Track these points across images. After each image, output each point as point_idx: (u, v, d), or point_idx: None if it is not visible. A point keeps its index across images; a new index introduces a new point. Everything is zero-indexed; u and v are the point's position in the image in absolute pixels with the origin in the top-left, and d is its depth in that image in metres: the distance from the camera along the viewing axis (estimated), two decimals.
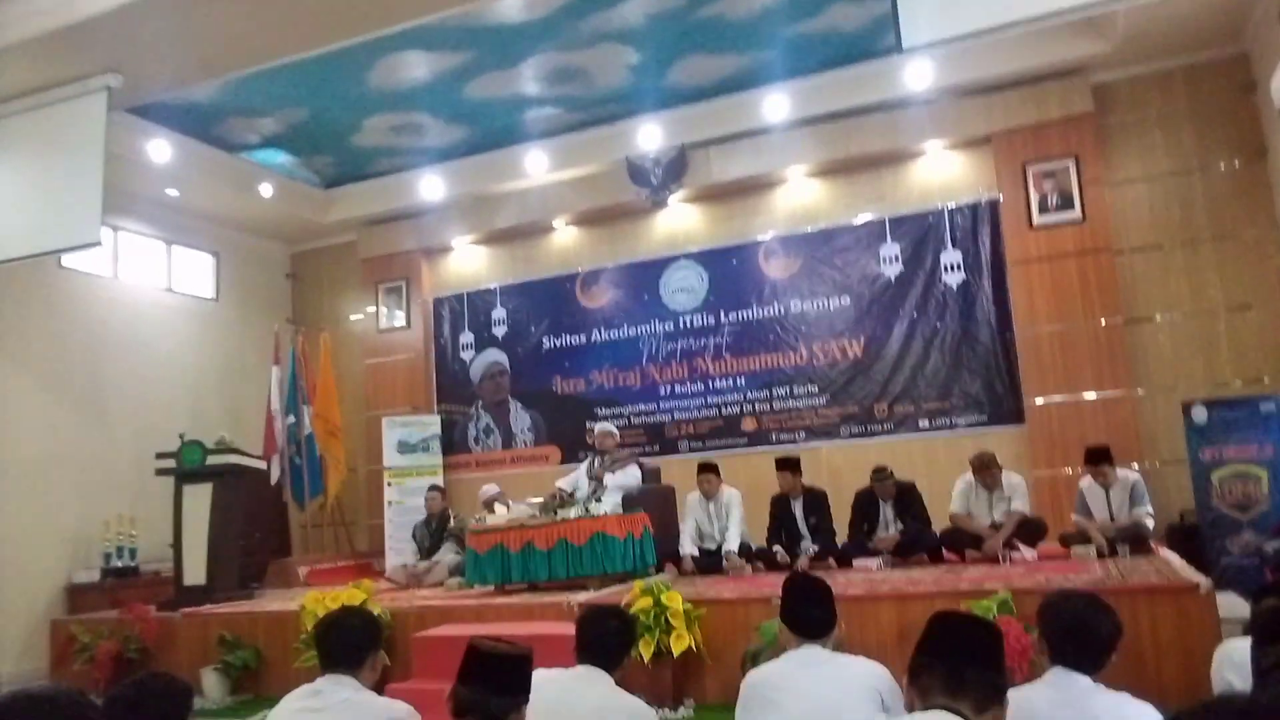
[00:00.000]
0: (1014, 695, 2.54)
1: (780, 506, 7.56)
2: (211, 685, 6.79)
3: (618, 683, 2.97)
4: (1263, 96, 7.70)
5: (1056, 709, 2.41)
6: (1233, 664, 2.79)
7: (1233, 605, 4.93)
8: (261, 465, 8.80)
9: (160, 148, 9.13)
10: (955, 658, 1.94)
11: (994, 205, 8.93)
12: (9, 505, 8.44)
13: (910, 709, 1.97)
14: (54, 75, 7.14)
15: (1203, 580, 4.74)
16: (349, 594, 6.32)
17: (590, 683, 2.92)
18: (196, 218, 10.81)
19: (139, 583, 8.83)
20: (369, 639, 2.99)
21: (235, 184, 10.22)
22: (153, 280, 10.48)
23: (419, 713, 2.82)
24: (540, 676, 3.03)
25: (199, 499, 7.90)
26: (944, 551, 7.04)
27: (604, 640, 3.01)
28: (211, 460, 7.98)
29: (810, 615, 2.98)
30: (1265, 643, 1.93)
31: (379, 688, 2.99)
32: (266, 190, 10.40)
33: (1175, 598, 4.72)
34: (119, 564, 9.01)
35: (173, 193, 10.08)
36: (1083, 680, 2.45)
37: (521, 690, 2.27)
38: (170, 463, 8.03)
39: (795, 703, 2.76)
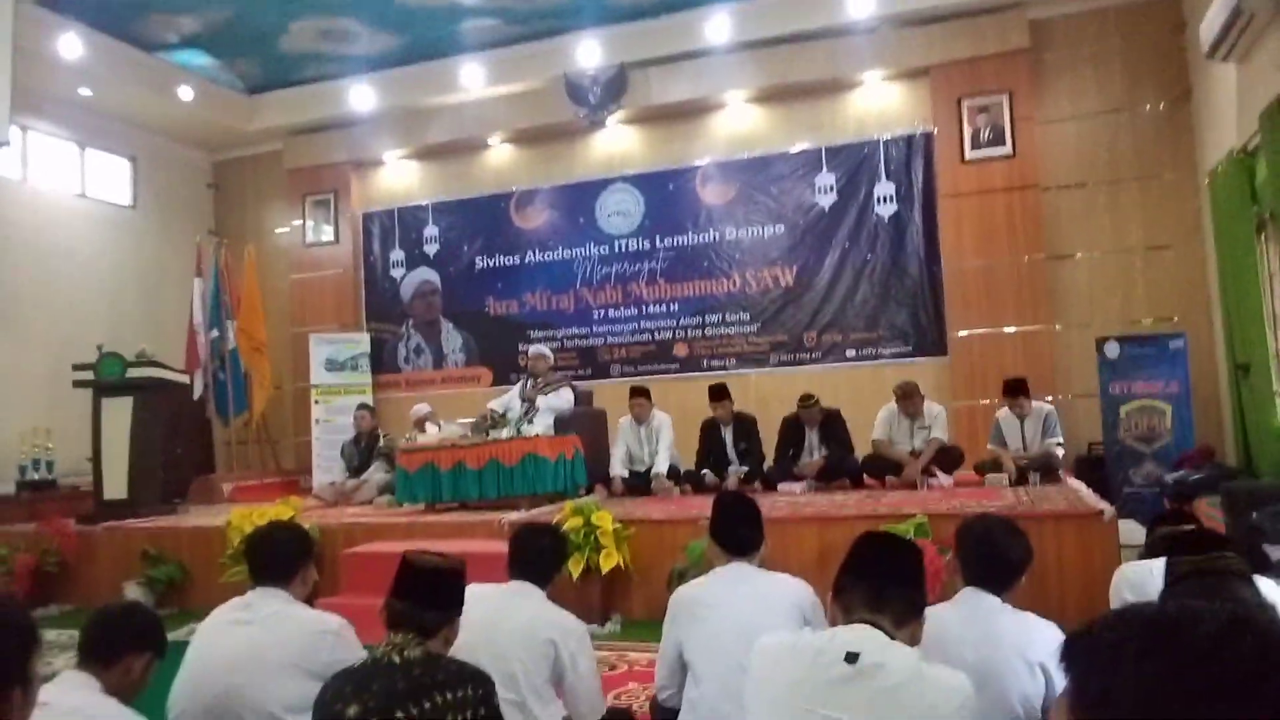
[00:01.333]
0: (927, 613, 2.68)
1: (710, 431, 7.68)
2: (136, 598, 6.71)
3: (549, 597, 3.04)
4: (1191, 38, 7.85)
5: (965, 627, 2.53)
6: (1130, 584, 2.97)
7: (1133, 532, 5.21)
8: (184, 379, 8.57)
9: (71, 43, 8.64)
10: (878, 576, 2.03)
11: (928, 138, 9.01)
12: None
13: (834, 624, 2.05)
14: None
15: (1106, 507, 4.99)
16: (276, 510, 6.30)
17: (523, 597, 2.98)
18: (112, 120, 10.31)
19: (57, 496, 8.64)
20: (300, 552, 3.00)
21: (153, 85, 9.75)
22: (65, 185, 10.01)
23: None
24: (473, 591, 3.07)
25: (119, 412, 7.67)
26: (865, 477, 7.26)
27: (537, 557, 3.06)
28: (132, 373, 7.73)
29: (739, 533, 3.06)
30: (1176, 552, 2.06)
31: (308, 602, 3.03)
32: (186, 93, 9.95)
33: (1080, 524, 4.97)
34: (35, 477, 8.81)
35: (86, 92, 9.58)
36: (991, 600, 2.57)
37: (454, 604, 2.31)
38: (88, 375, 7.78)
39: (721, 618, 2.85)
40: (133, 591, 6.73)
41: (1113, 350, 7.67)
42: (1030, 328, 8.57)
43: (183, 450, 10.14)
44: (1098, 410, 7.80)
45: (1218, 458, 7.21)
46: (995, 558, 2.62)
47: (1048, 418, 6.96)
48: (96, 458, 7.78)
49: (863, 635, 1.93)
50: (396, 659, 2.09)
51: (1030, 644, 2.41)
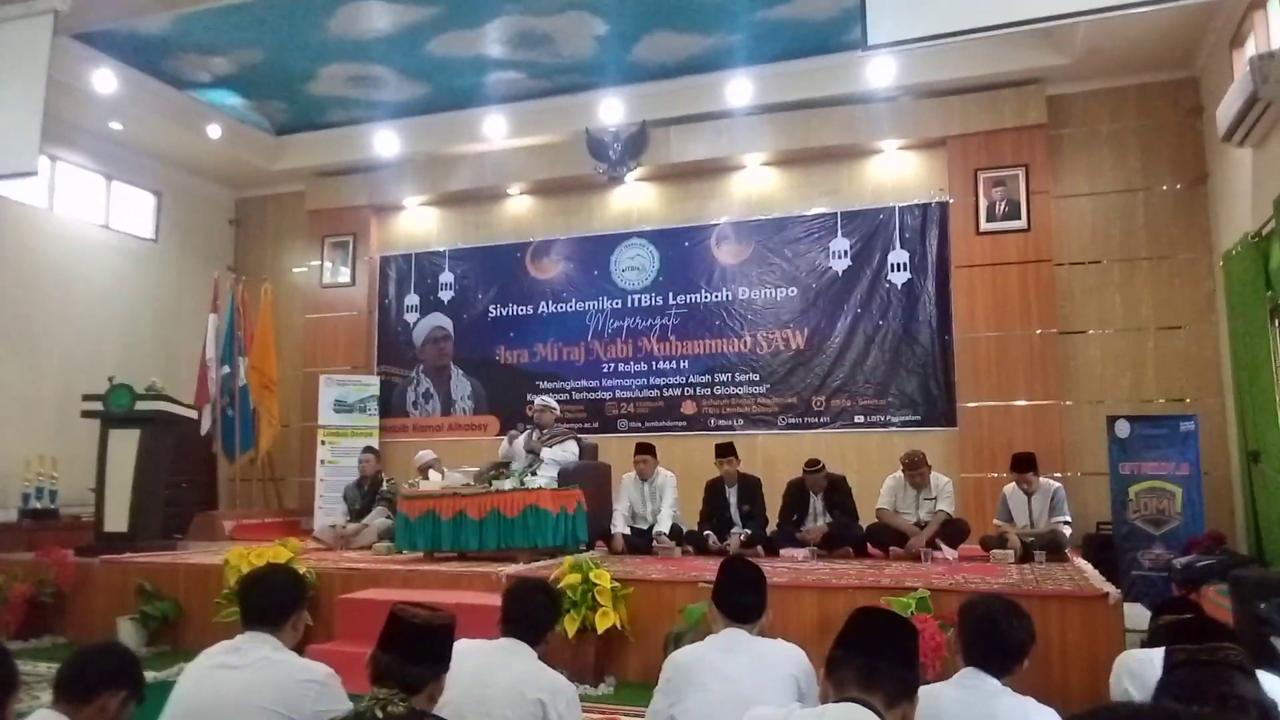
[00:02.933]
0: (923, 692, 2.62)
1: (715, 491, 7.63)
2: (128, 634, 6.63)
3: (540, 657, 2.99)
4: (1208, 122, 7.92)
5: (962, 708, 2.48)
6: (1130, 673, 2.90)
7: (1139, 616, 5.10)
8: (192, 414, 8.59)
9: (106, 78, 8.82)
10: (871, 652, 1.99)
11: (944, 208, 9.06)
12: None
13: (825, 700, 2.01)
14: None
15: (1112, 590, 4.91)
16: (274, 551, 6.24)
17: (513, 655, 2.93)
18: (140, 154, 10.49)
19: (58, 525, 8.62)
20: (293, 598, 2.97)
21: (182, 122, 9.92)
22: (90, 215, 10.16)
23: (339, 675, 2.80)
24: (463, 646, 3.03)
25: (125, 444, 7.69)
26: (869, 546, 7.17)
27: (530, 613, 3.02)
28: (140, 406, 7.76)
29: (743, 600, 3.03)
30: (1175, 641, 2.02)
31: (300, 648, 2.98)
32: (215, 131, 10.11)
33: (1085, 605, 4.88)
34: (38, 505, 8.80)
35: (116, 126, 9.76)
36: (991, 682, 2.52)
37: (440, 659, 2.28)
38: (97, 405, 7.81)
39: (715, 685, 2.81)
40: (126, 627, 6.68)
41: (1123, 429, 7.60)
42: (1041, 402, 8.52)
43: (187, 485, 10.16)
44: (1107, 489, 7.71)
45: (1228, 544, 7.09)
46: (997, 639, 2.58)
47: (1055, 494, 6.89)
48: (100, 489, 7.78)
49: (853, 714, 1.88)
50: (379, 714, 2.05)
51: None
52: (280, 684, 2.71)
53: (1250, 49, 6.75)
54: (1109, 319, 8.61)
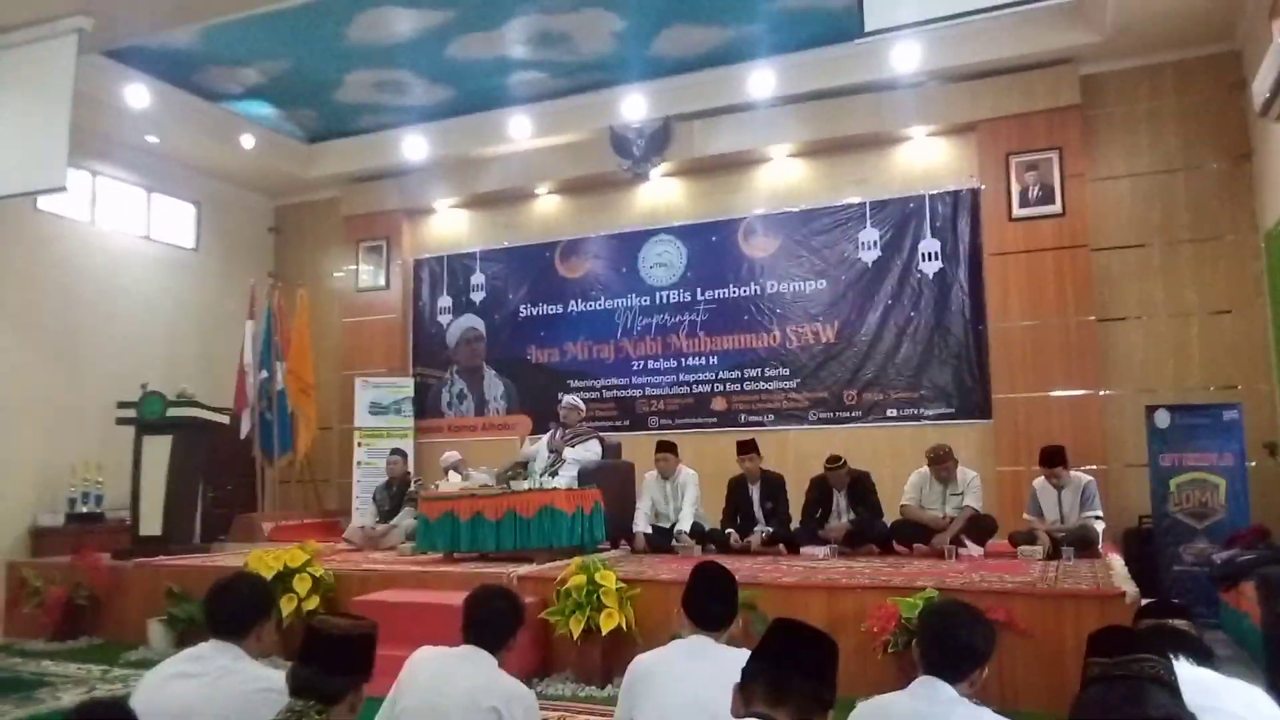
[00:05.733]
0: (874, 703, 2.53)
1: (737, 489, 7.55)
2: (157, 636, 6.82)
3: (502, 664, 2.96)
4: (1250, 96, 7.56)
5: (915, 719, 2.39)
6: None
7: None
8: (224, 419, 8.75)
9: (138, 93, 9.03)
10: (784, 666, 1.91)
11: (975, 194, 8.82)
12: None
13: (734, 715, 1.94)
14: (23, 15, 7.07)
15: (1130, 589, 4.71)
16: (291, 553, 6.32)
17: (470, 663, 2.90)
18: (177, 166, 10.73)
19: (102, 529, 8.85)
20: (256, 608, 2.97)
21: (216, 134, 10.12)
22: (131, 227, 10.42)
23: None
24: (422, 654, 3.03)
25: (158, 450, 7.89)
26: (894, 543, 7.02)
27: (488, 621, 2.99)
28: (173, 412, 7.95)
29: (710, 608, 2.98)
30: (1091, 653, 1.91)
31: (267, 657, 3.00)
32: (248, 141, 10.30)
33: (1101, 605, 4.69)
34: (84, 509, 9.06)
35: (153, 139, 10.00)
36: (946, 691, 2.42)
37: (359, 669, 2.25)
38: (131, 412, 8.02)
39: (672, 693, 2.76)
40: (156, 629, 6.85)
41: (1163, 419, 7.32)
42: (1078, 392, 8.24)
43: (228, 488, 10.39)
44: (1148, 481, 7.43)
45: (1274, 538, 6.78)
46: (953, 645, 2.47)
47: (1086, 488, 6.66)
48: (135, 494, 7.99)
49: None
50: None
51: None
52: (237, 694, 2.71)
53: None
54: (1150, 305, 8.29)
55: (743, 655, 2.85)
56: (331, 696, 2.14)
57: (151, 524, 7.79)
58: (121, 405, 8.05)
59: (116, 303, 10.00)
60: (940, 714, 2.38)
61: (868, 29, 4.78)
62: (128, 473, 8.47)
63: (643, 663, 2.96)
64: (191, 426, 8.04)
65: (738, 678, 2.77)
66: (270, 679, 2.80)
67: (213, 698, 2.69)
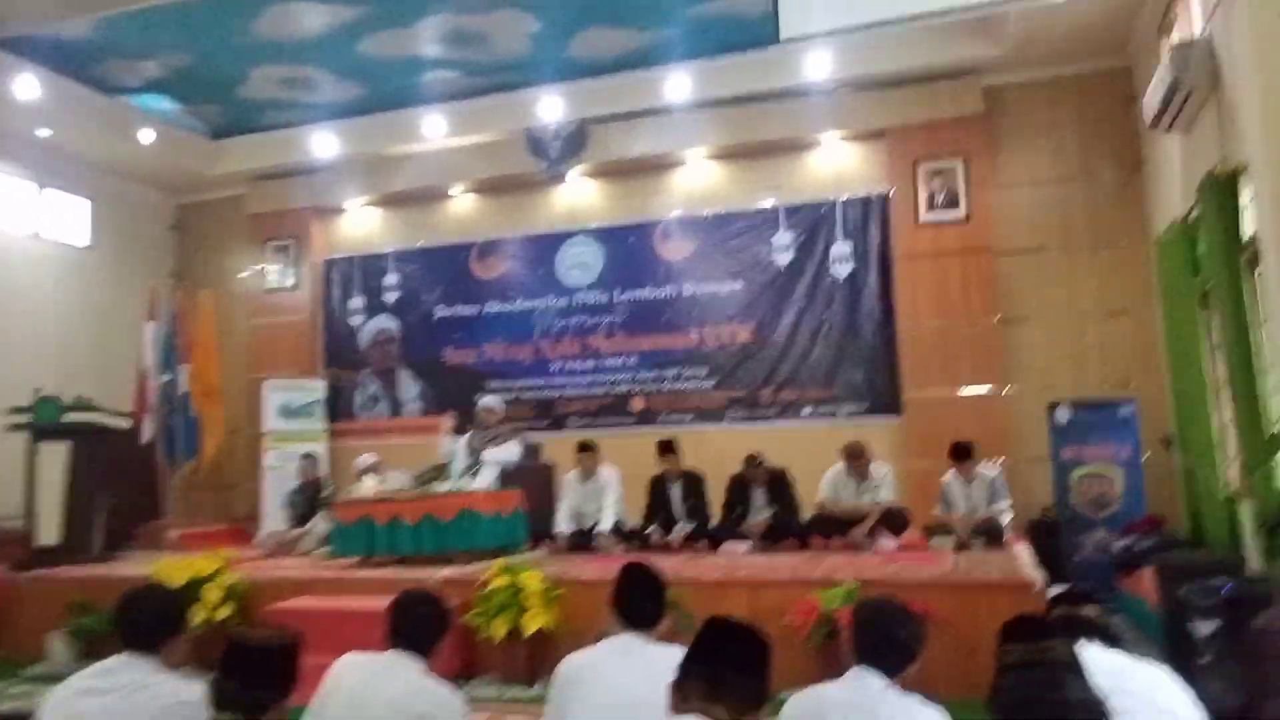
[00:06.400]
0: (808, 692, 2.59)
1: (658, 488, 7.58)
2: (59, 650, 6.53)
3: (431, 668, 2.92)
4: (1141, 110, 7.94)
5: (847, 709, 2.46)
6: None
7: None
8: (124, 424, 8.43)
9: (28, 83, 8.59)
10: (719, 663, 1.94)
11: (884, 199, 9.06)
12: None
13: (673, 713, 1.96)
14: None
15: (1036, 579, 4.91)
16: (202, 561, 6.12)
17: (398, 667, 2.86)
18: (71, 160, 10.24)
19: None
20: (168, 622, 2.85)
21: (113, 127, 9.71)
22: (20, 225, 9.91)
23: None
24: (347, 661, 2.97)
25: (54, 457, 7.56)
26: (813, 538, 7.15)
27: (415, 625, 2.95)
28: (70, 418, 7.62)
29: (639, 606, 3.00)
30: (1005, 640, 2.00)
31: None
32: (147, 136, 9.90)
33: (1011, 594, 4.87)
34: None
35: (44, 132, 9.52)
36: (877, 681, 2.50)
37: (283, 681, 2.20)
38: (25, 418, 7.64)
39: (601, 692, 2.77)
40: (56, 643, 6.55)
41: (1063, 415, 7.62)
42: (984, 390, 8.54)
43: (131, 496, 9.96)
44: (1050, 474, 7.74)
45: (1169, 526, 7.14)
46: (886, 640, 2.56)
47: (994, 482, 6.91)
48: (30, 503, 7.62)
49: None
50: None
51: None
52: (152, 710, 2.61)
53: (1176, 37, 6.77)
54: (1050, 307, 8.64)
55: (674, 653, 2.88)
56: (256, 710, 2.08)
57: (49, 533, 7.46)
58: (13, 411, 7.66)
59: (4, 304, 9.50)
60: (872, 703, 2.46)
61: (783, 36, 4.87)
62: (17, 481, 8.06)
63: (572, 663, 2.96)
64: (90, 432, 7.72)
65: (670, 675, 2.81)
66: (186, 693, 2.70)
67: (126, 714, 2.59)
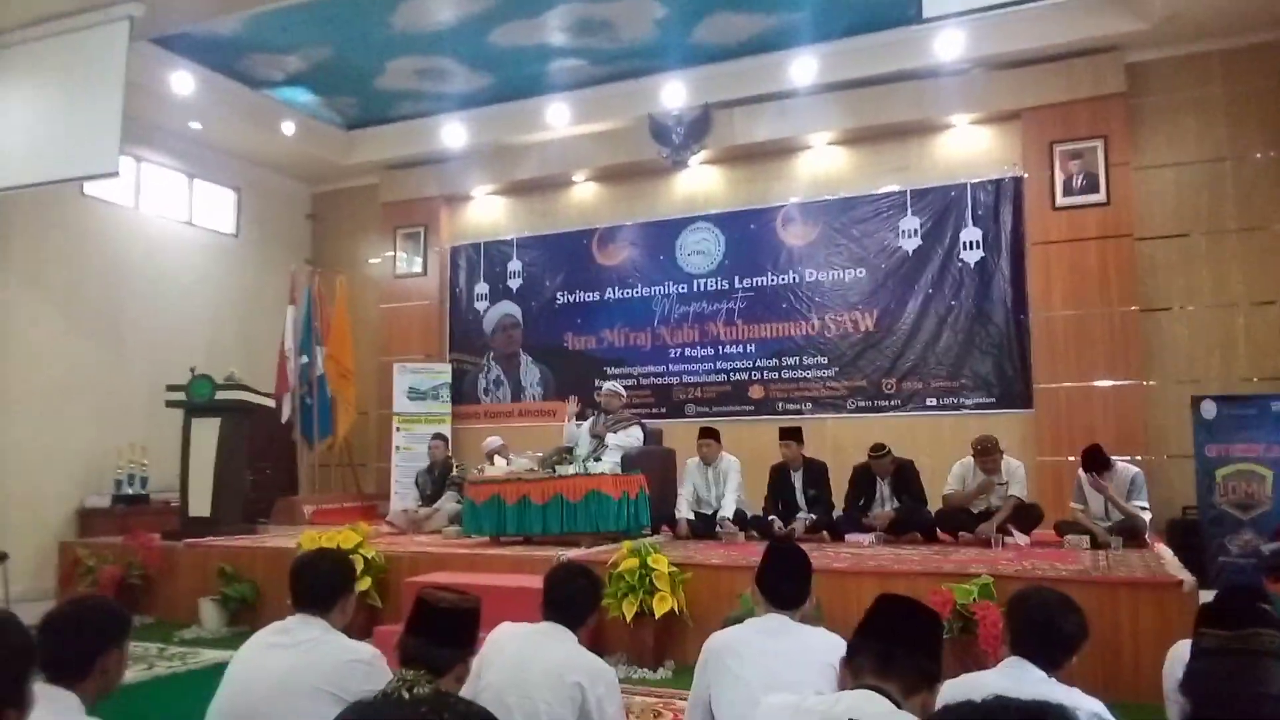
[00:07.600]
0: (966, 679, 2.56)
1: (780, 476, 7.57)
2: (209, 615, 6.94)
3: (581, 641, 3.01)
4: None
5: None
6: (1180, 661, 2.79)
7: None
8: (269, 403, 8.88)
9: (183, 80, 9.13)
10: (890, 640, 1.95)
11: (1018, 183, 8.78)
12: (24, 430, 8.60)
13: (842, 688, 1.98)
14: (76, 2, 7.15)
15: (1186, 577, 4.71)
16: (344, 535, 6.40)
17: (553, 639, 2.95)
18: (219, 152, 10.84)
19: (148, 511, 8.99)
20: (341, 582, 3.03)
21: (258, 121, 10.22)
22: (174, 212, 10.55)
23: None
24: (504, 630, 3.08)
25: (206, 433, 8.00)
26: (938, 532, 7.03)
27: (570, 598, 3.03)
28: (220, 396, 8.06)
29: (783, 586, 3.00)
30: (1204, 624, 1.92)
31: (369, 628, 3.04)
32: (289, 128, 10.39)
33: (1158, 593, 4.70)
34: (130, 491, 9.19)
35: (196, 126, 10.11)
36: (1035, 672, 2.45)
37: (466, 642, 2.31)
38: (180, 395, 8.13)
39: (751, 670, 2.78)
40: (207, 607, 6.97)
41: (1209, 410, 7.26)
42: (1122, 382, 8.21)
43: (269, 471, 10.53)
44: (1193, 472, 7.40)
45: None
46: (1048, 631, 2.51)
47: (1134, 480, 6.59)
48: (184, 475, 8.11)
49: (868, 701, 1.84)
50: (405, 695, 2.09)
51: None
52: (329, 664, 2.78)
53: None
54: (1195, 294, 8.24)
55: (820, 633, 2.90)
56: (441, 667, 2.19)
57: (200, 505, 7.90)
58: (170, 388, 8.16)
59: (159, 287, 10.13)
60: (1030, 692, 2.41)
61: (926, 15, 4.76)
62: (172, 455, 8.59)
63: (719, 640, 2.98)
64: (238, 410, 8.14)
65: (817, 655, 2.83)
66: (360, 650, 2.87)
67: (309, 666, 2.75)
